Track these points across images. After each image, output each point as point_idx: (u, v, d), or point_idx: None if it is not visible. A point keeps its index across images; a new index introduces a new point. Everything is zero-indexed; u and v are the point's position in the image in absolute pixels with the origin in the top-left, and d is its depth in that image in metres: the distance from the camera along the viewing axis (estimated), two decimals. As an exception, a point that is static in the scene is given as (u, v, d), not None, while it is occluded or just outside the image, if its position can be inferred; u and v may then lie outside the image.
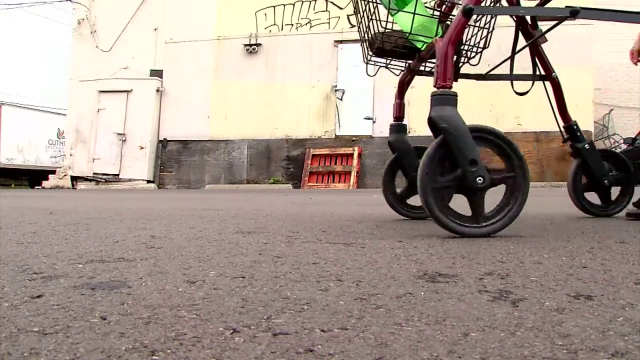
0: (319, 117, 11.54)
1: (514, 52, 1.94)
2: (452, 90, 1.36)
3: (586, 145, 2.09)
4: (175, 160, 11.65)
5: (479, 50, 1.78)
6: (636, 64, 3.27)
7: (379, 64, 1.88)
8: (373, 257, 1.03)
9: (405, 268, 0.90)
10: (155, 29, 11.83)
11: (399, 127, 2.05)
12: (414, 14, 1.62)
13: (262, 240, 1.32)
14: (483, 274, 0.84)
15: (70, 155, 12.43)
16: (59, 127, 16.93)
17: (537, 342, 0.50)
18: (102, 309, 0.62)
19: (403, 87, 2.04)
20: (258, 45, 11.62)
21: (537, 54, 2.06)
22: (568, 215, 2.20)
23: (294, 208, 3.10)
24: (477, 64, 1.83)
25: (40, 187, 12.51)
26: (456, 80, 1.85)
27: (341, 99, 11.42)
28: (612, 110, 12.40)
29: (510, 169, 1.40)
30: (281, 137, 11.19)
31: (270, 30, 12.14)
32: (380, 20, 1.68)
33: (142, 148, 11.84)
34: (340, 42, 11.02)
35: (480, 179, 1.33)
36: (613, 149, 2.29)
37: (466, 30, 1.68)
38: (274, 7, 12.31)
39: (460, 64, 1.80)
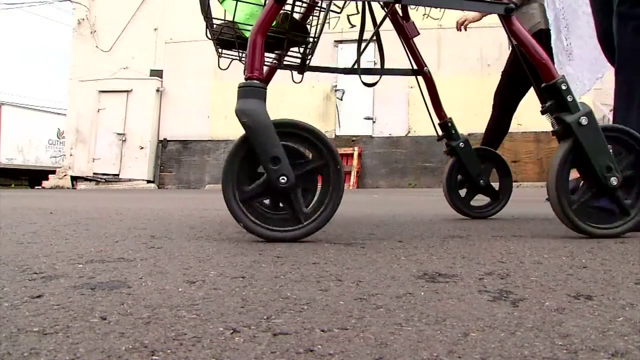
0: (319, 117, 11.53)
1: (360, 46, 1.83)
2: (259, 82, 1.26)
3: (461, 144, 2.04)
4: (175, 160, 11.64)
5: (314, 42, 1.67)
6: (459, 30, 3.61)
7: (230, 56, 1.71)
8: (373, 257, 1.03)
9: (405, 268, 0.90)
10: (155, 29, 11.84)
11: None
12: (238, 0, 1.48)
13: (262, 240, 1.32)
14: (483, 274, 0.84)
15: (70, 155, 12.43)
16: (59, 127, 16.93)
17: (537, 342, 0.50)
18: (102, 309, 0.62)
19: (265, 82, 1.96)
20: (258, 45, 11.59)
21: (409, 48, 2.02)
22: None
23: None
24: (308, 59, 1.74)
25: (40, 187, 12.51)
26: (301, 73, 1.78)
27: (341, 99, 11.41)
28: (612, 110, 12.39)
29: (322, 165, 1.29)
30: (281, 137, 11.15)
31: (270, 30, 12.07)
32: (209, 10, 1.53)
33: (142, 148, 11.83)
34: (340, 42, 11.01)
35: (283, 178, 1.21)
36: (488, 149, 2.21)
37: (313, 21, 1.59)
38: (274, 7, 12.24)
39: (309, 57, 1.72)
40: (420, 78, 2.03)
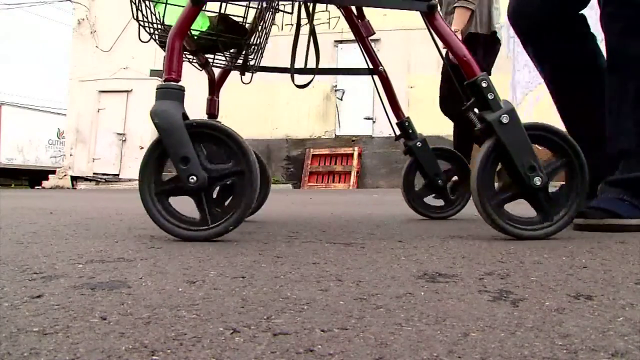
0: (319, 117, 11.53)
1: (295, 44, 1.83)
2: (176, 84, 1.26)
3: (418, 143, 2.03)
4: (175, 160, 11.61)
5: (258, 48, 1.69)
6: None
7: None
8: (373, 257, 1.03)
9: (405, 268, 0.90)
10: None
11: None
12: (166, 3, 1.48)
13: (262, 240, 1.32)
14: (483, 274, 0.84)
15: (70, 155, 12.44)
16: (59, 127, 16.93)
17: (537, 342, 0.50)
18: (102, 309, 0.62)
19: (214, 82, 1.94)
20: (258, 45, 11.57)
21: (364, 47, 2.02)
22: (568, 215, 2.20)
23: (294, 208, 3.11)
24: (256, 64, 1.76)
25: (40, 187, 12.51)
26: (243, 74, 1.81)
27: (341, 99, 11.41)
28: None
29: (235, 165, 1.28)
30: (281, 137, 11.18)
31: (270, 30, 12.06)
32: (141, 11, 1.52)
33: (142, 148, 11.84)
34: (340, 42, 11.01)
35: (192, 178, 1.22)
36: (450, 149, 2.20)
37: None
38: (274, 7, 12.25)
39: (253, 61, 1.74)
40: (376, 78, 2.05)
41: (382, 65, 2.04)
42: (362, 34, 1.99)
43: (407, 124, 2.05)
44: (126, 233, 1.50)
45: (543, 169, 1.29)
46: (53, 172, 12.90)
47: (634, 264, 0.94)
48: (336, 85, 11.26)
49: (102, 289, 0.73)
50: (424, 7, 1.36)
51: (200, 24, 1.55)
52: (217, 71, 1.97)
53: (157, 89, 1.27)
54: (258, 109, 11.28)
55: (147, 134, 11.70)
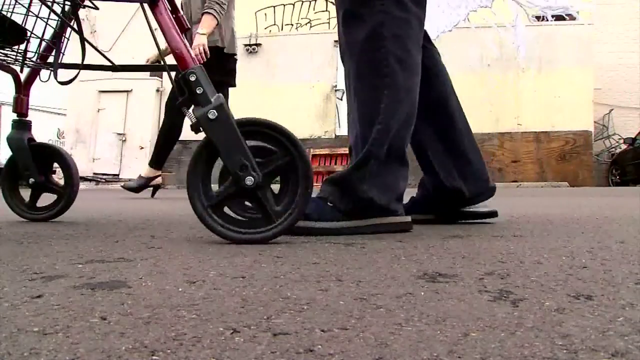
0: (319, 117, 11.53)
1: (60, 40, 1.79)
2: None
3: None
4: (175, 160, 11.64)
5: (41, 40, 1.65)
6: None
7: None
8: (373, 257, 1.03)
9: (405, 268, 0.90)
10: (156, 29, 11.84)
11: (19, 123, 1.88)
12: None
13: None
14: (483, 274, 0.84)
15: (70, 155, 12.44)
16: (59, 127, 16.93)
17: (537, 342, 0.50)
18: (102, 309, 0.62)
19: (19, 81, 1.88)
20: (258, 45, 11.60)
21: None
22: (568, 215, 2.20)
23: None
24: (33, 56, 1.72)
25: (40, 187, 12.48)
26: (22, 69, 1.78)
27: (341, 99, 11.41)
28: (612, 110, 12.40)
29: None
30: (281, 137, 11.16)
31: (270, 31, 12.11)
32: None
33: (142, 148, 11.84)
34: (340, 42, 11.00)
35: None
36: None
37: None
38: (274, 7, 12.29)
39: (34, 55, 1.71)
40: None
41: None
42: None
43: None
44: (126, 233, 1.50)
45: (257, 168, 1.21)
46: (53, 172, 12.90)
47: (634, 264, 0.94)
48: (336, 86, 11.27)
49: (102, 289, 0.73)
50: None
51: None
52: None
53: None
54: (258, 108, 11.28)
55: (147, 134, 11.70)
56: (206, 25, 3.86)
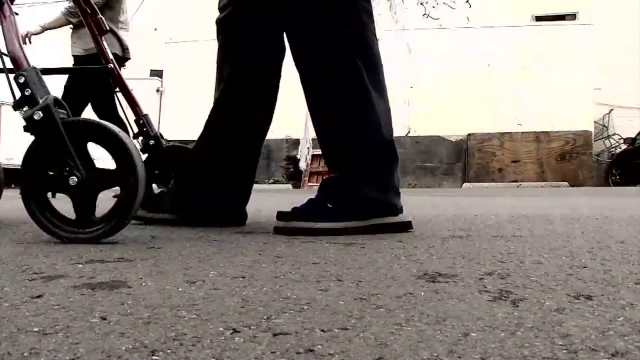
0: (319, 117, 11.46)
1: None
2: None
3: (151, 142, 2.06)
4: (175, 160, 11.62)
5: None
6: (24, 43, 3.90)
7: None
8: (373, 257, 1.03)
9: (406, 268, 0.90)
10: (156, 29, 11.83)
11: None
12: None
13: (262, 240, 1.32)
14: (483, 274, 0.84)
15: (70, 155, 12.43)
16: (59, 127, 16.89)
17: (537, 342, 0.50)
18: (102, 309, 0.62)
19: None
20: (258, 45, 11.56)
21: (96, 43, 2.03)
22: (568, 215, 2.20)
23: (294, 208, 3.10)
24: None
25: (40, 187, 12.48)
26: None
27: (341, 99, 11.38)
28: (612, 110, 12.39)
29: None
30: (281, 137, 11.16)
31: (270, 30, 12.05)
32: None
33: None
34: (340, 42, 10.98)
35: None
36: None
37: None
38: (274, 7, 12.22)
39: None
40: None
41: (112, 63, 2.07)
42: (94, 30, 2.01)
43: (142, 122, 2.10)
44: (126, 233, 1.50)
45: (81, 168, 1.24)
46: (53, 172, 12.91)
47: (634, 264, 0.94)
48: (336, 85, 11.25)
49: (102, 289, 0.73)
50: None
51: None
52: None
53: None
54: (258, 109, 11.28)
55: (147, 134, 11.71)
56: (51, 20, 4.20)
